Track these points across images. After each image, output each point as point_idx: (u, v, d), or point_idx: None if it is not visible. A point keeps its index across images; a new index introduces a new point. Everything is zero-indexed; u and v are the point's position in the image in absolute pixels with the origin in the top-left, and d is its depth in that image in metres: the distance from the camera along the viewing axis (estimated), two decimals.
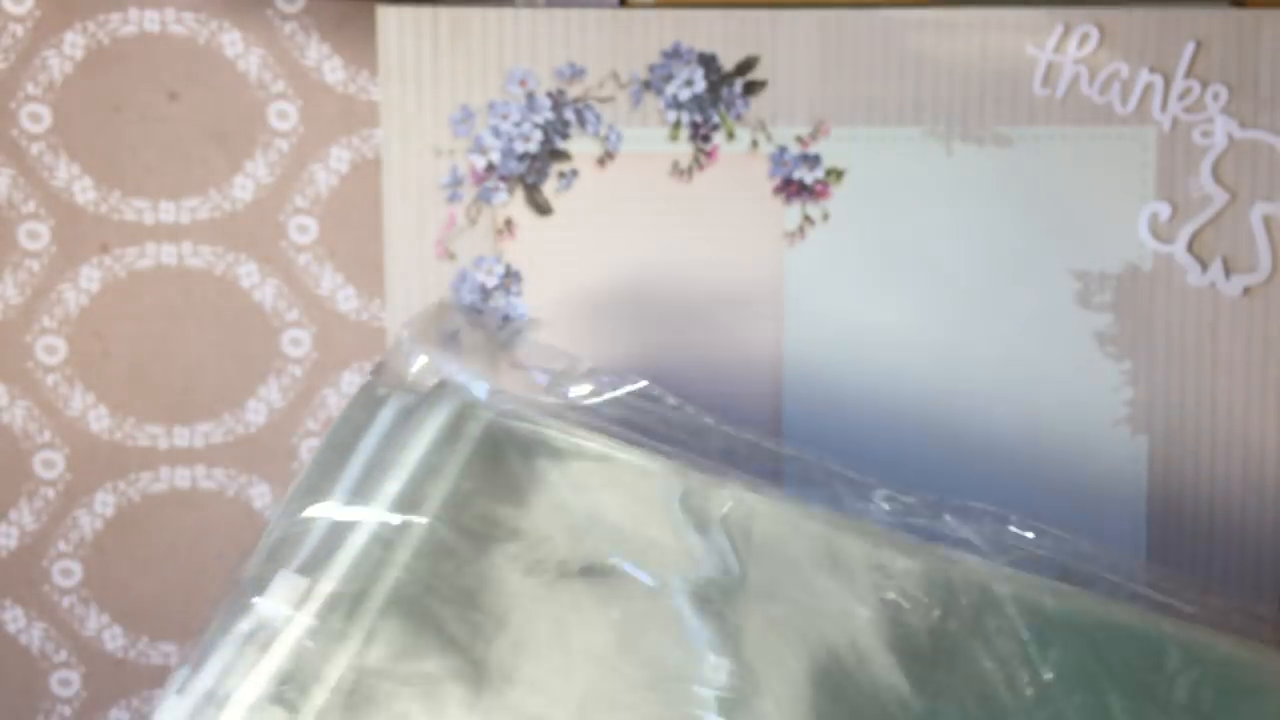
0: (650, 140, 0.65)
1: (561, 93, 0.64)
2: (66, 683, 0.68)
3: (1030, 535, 0.52)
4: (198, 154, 0.65)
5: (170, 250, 0.66)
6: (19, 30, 0.64)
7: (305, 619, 0.46)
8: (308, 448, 0.67)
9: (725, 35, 0.64)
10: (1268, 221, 0.64)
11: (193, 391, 0.66)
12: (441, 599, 0.47)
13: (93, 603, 0.67)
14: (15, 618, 0.68)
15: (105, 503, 0.67)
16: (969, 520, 0.52)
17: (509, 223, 0.65)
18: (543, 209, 0.65)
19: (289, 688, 0.46)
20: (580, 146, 0.65)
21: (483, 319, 0.62)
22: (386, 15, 0.64)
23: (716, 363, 0.66)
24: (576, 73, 0.64)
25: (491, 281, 0.65)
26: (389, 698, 0.45)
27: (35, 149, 0.65)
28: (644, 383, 0.55)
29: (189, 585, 0.67)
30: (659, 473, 0.50)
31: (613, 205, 0.65)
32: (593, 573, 0.48)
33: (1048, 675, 0.48)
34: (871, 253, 0.65)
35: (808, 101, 0.64)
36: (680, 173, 0.65)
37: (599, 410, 0.54)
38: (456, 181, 0.65)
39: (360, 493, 0.48)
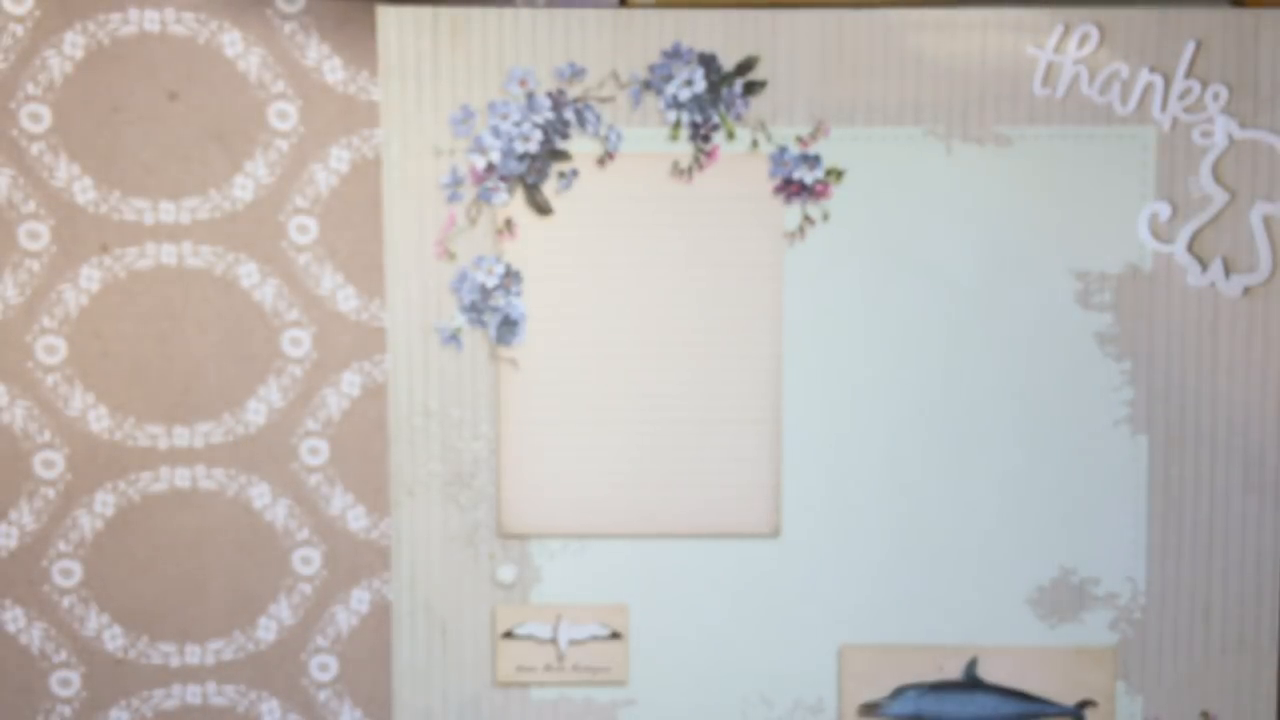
0: (650, 140, 0.64)
1: (561, 93, 0.64)
2: (66, 683, 0.68)
3: None
4: (198, 154, 0.65)
5: (170, 250, 0.66)
6: (19, 30, 0.64)
7: None
8: (308, 448, 0.67)
9: (725, 35, 0.64)
10: (1268, 221, 0.64)
11: (193, 391, 0.66)
12: None
13: (93, 603, 0.67)
14: (15, 618, 0.67)
15: (105, 503, 0.67)
16: None
17: (509, 223, 0.65)
18: (543, 209, 0.65)
19: None
20: (580, 146, 0.65)
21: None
22: (386, 15, 0.64)
23: (717, 362, 0.66)
24: (576, 73, 0.64)
25: (491, 281, 0.65)
26: None
27: (35, 149, 0.65)
28: None
29: (189, 585, 0.67)
30: None
31: (613, 205, 0.65)
32: None
33: None
34: (871, 253, 0.65)
35: (808, 101, 0.64)
36: (680, 173, 0.65)
37: None
38: (456, 181, 0.65)
39: None
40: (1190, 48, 0.63)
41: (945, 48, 0.64)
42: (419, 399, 0.66)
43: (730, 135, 0.64)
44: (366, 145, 0.65)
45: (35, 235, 0.65)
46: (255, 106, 0.65)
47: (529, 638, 0.67)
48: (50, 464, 0.67)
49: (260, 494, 0.67)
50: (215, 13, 0.65)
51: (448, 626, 0.67)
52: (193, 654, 0.68)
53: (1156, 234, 0.65)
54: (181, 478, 0.67)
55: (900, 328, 0.65)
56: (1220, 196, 0.64)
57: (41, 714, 0.68)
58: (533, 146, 0.64)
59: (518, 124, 0.64)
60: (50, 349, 0.66)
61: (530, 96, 0.64)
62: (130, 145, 0.65)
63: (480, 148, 0.64)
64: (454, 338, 0.65)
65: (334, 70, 0.65)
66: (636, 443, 0.66)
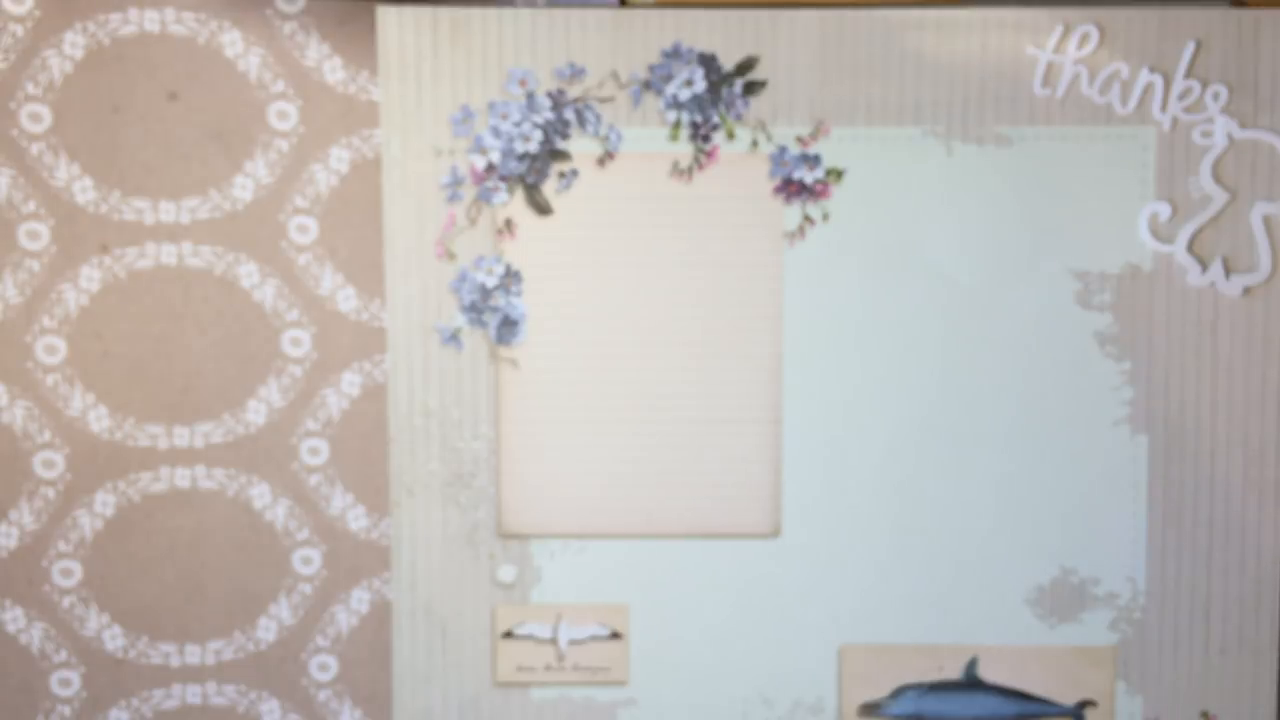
0: (650, 140, 0.64)
1: (561, 93, 0.64)
2: (66, 683, 0.68)
3: None
4: (198, 154, 0.65)
5: (170, 250, 0.66)
6: (19, 30, 0.64)
7: None
8: (308, 448, 0.67)
9: (725, 35, 0.64)
10: (1268, 221, 0.64)
11: (193, 391, 0.66)
12: None
13: (93, 603, 0.67)
14: (15, 618, 0.68)
15: (105, 503, 0.67)
16: None
17: (509, 223, 0.65)
18: (543, 209, 0.65)
19: None
20: (580, 146, 0.65)
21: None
22: (386, 15, 0.64)
23: (717, 362, 0.66)
24: (576, 73, 0.64)
25: (491, 281, 0.65)
26: None
27: (35, 149, 0.65)
28: None
29: (189, 585, 0.67)
30: None
31: (613, 205, 0.65)
32: None
33: None
34: (871, 253, 0.65)
35: (808, 101, 0.64)
36: (680, 173, 0.65)
37: None
38: (456, 181, 0.65)
39: None
40: (1190, 48, 0.63)
41: (945, 48, 0.64)
42: (419, 399, 0.66)
43: (730, 135, 0.64)
44: (366, 145, 0.65)
45: (35, 235, 0.65)
46: (255, 106, 0.65)
47: (529, 638, 0.67)
48: (50, 464, 0.67)
49: (260, 494, 0.67)
50: (215, 13, 0.65)
51: (448, 626, 0.67)
52: (193, 654, 0.68)
53: (1156, 234, 0.65)
54: (181, 478, 0.67)
55: (900, 327, 0.65)
56: (1220, 196, 0.64)
57: (41, 714, 0.68)
58: (533, 146, 0.64)
59: (518, 124, 0.64)
60: (50, 349, 0.66)
61: (530, 96, 0.64)
62: (130, 145, 0.65)
63: (480, 148, 0.64)
64: (454, 338, 0.65)
65: (334, 70, 0.65)
66: (636, 443, 0.66)
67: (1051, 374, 0.65)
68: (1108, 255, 0.65)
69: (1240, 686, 0.67)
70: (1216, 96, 0.64)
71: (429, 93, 0.64)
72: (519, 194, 0.65)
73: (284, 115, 0.65)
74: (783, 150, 0.64)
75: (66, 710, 0.68)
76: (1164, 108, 0.64)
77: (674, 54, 0.64)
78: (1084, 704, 0.67)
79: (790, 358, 0.66)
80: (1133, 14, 0.63)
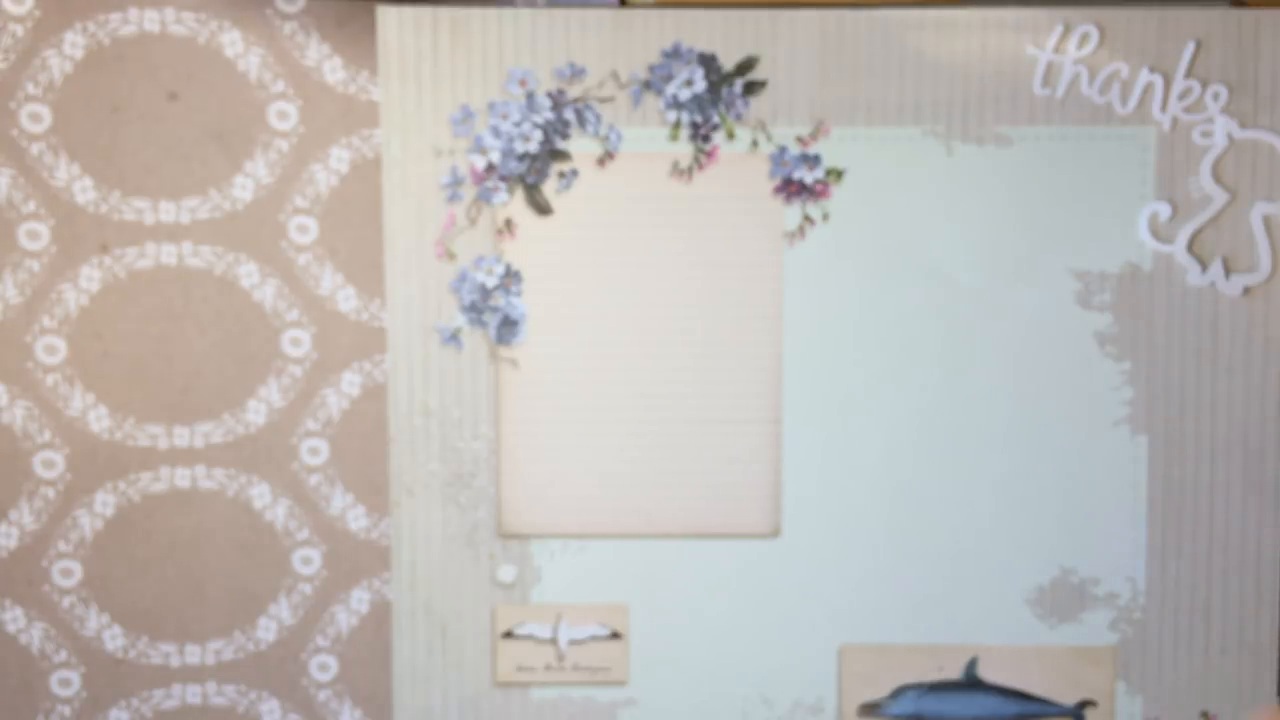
0: (650, 140, 0.64)
1: (561, 93, 0.64)
2: (66, 683, 0.68)
3: None
4: (198, 154, 0.65)
5: (170, 250, 0.66)
6: (19, 30, 0.64)
7: None
8: (308, 448, 0.67)
9: (725, 35, 0.64)
10: (1268, 221, 0.64)
11: (193, 391, 0.66)
12: None
13: (93, 603, 0.67)
14: (15, 618, 0.68)
15: (105, 503, 0.67)
16: None
17: (509, 223, 0.65)
18: (543, 209, 0.65)
19: None
20: (580, 146, 0.65)
21: None
22: (386, 15, 0.64)
23: (717, 362, 0.66)
24: (576, 73, 0.64)
25: (491, 281, 0.65)
26: None
27: (35, 149, 0.65)
28: None
29: (189, 585, 0.67)
30: None
31: (613, 205, 0.65)
32: None
33: None
34: (871, 253, 0.65)
35: (808, 101, 0.64)
36: (680, 173, 0.65)
37: None
38: (456, 181, 0.65)
39: None
40: (1190, 48, 0.63)
41: (945, 48, 0.64)
42: (419, 399, 0.66)
43: (730, 135, 0.64)
44: (366, 145, 0.65)
45: (35, 235, 0.65)
46: (255, 106, 0.65)
47: (529, 638, 0.67)
48: (50, 464, 0.67)
49: (260, 494, 0.67)
50: (215, 13, 0.65)
51: (448, 626, 0.67)
52: (193, 654, 0.68)
53: (1156, 234, 0.65)
54: (181, 478, 0.67)
55: (900, 328, 0.65)
56: (1220, 196, 0.64)
57: (41, 714, 0.68)
58: (533, 146, 0.64)
59: (518, 124, 0.64)
60: (50, 349, 0.66)
61: (530, 96, 0.64)
62: (130, 145, 0.65)
63: (480, 148, 0.64)
64: (454, 338, 0.65)
65: (334, 70, 0.65)
66: (636, 443, 0.66)
67: (1051, 374, 0.65)
68: (1108, 255, 0.65)
69: (1240, 686, 0.67)
70: (1216, 96, 0.64)
71: (429, 93, 0.64)
72: (519, 194, 0.65)
73: (284, 115, 0.65)
74: (783, 150, 0.64)
75: (66, 710, 0.68)
76: (1164, 108, 0.64)
77: (674, 54, 0.64)
78: (1084, 704, 0.67)
79: (790, 358, 0.66)
80: (1133, 14, 0.63)
